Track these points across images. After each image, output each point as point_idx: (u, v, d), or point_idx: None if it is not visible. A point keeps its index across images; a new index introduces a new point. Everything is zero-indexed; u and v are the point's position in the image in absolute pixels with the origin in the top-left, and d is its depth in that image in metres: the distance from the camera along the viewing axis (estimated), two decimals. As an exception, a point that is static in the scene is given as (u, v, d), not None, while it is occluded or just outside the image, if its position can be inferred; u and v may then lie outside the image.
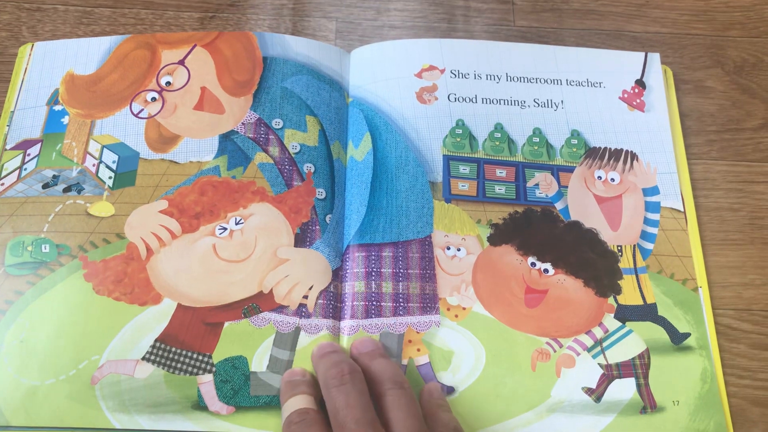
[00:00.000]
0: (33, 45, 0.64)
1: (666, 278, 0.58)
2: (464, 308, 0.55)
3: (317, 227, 0.56)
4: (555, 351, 0.54)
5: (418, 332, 0.54)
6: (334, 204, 0.58)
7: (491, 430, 0.51)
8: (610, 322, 0.56)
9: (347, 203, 0.58)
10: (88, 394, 0.49)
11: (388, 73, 0.64)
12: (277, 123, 0.60)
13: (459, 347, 0.54)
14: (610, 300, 0.56)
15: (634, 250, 0.58)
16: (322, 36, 0.68)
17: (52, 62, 0.63)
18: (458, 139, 0.61)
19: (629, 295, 0.57)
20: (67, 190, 0.57)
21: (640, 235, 0.59)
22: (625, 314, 0.56)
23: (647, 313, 0.56)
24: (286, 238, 0.56)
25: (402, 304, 0.55)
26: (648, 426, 0.52)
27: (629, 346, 0.55)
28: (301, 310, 0.53)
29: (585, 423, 0.52)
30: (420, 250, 0.57)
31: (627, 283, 0.57)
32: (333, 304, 0.54)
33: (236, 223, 0.55)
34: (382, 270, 0.56)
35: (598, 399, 0.53)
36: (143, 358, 0.51)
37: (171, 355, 0.51)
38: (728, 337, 0.57)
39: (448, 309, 0.55)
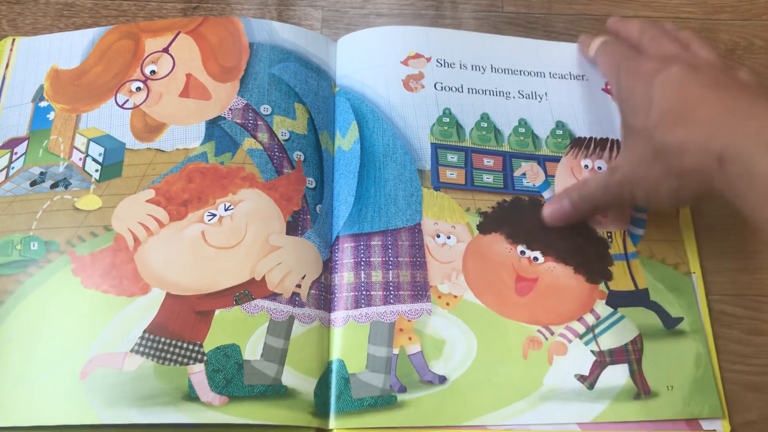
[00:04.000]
0: (14, 40, 0.63)
1: (657, 263, 0.58)
2: (455, 296, 0.55)
3: (308, 216, 0.56)
4: (546, 339, 0.54)
5: (409, 320, 0.54)
6: (323, 195, 0.57)
7: (484, 419, 0.51)
8: (602, 308, 0.55)
9: (335, 194, 0.58)
10: (77, 389, 0.49)
11: (374, 61, 0.63)
12: (265, 109, 0.59)
13: (451, 336, 0.54)
14: (602, 286, 0.56)
15: (624, 236, 0.58)
16: (307, 25, 0.67)
17: (37, 59, 0.62)
18: (445, 128, 0.61)
19: (620, 281, 0.57)
20: (54, 186, 0.56)
21: (629, 221, 0.59)
22: (616, 300, 0.56)
23: (639, 298, 0.56)
24: (278, 226, 0.55)
25: (392, 292, 0.54)
26: (642, 412, 0.52)
27: (622, 332, 0.55)
28: (294, 299, 0.53)
29: (578, 410, 0.52)
30: (410, 238, 0.56)
31: (618, 268, 0.57)
32: (324, 296, 0.54)
33: (225, 209, 0.55)
34: (372, 259, 0.55)
35: (591, 386, 0.53)
36: (132, 350, 0.50)
37: (160, 346, 0.50)
38: (722, 322, 0.57)
39: (440, 297, 0.55)
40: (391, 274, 0.55)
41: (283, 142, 0.58)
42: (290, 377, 0.51)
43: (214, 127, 0.59)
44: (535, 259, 0.57)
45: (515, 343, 0.54)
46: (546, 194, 0.60)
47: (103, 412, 0.48)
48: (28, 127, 0.59)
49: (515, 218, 0.58)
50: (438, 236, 0.57)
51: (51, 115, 0.59)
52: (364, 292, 0.54)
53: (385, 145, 0.60)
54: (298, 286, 0.53)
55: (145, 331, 0.51)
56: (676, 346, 0.54)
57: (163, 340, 0.51)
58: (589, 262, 0.57)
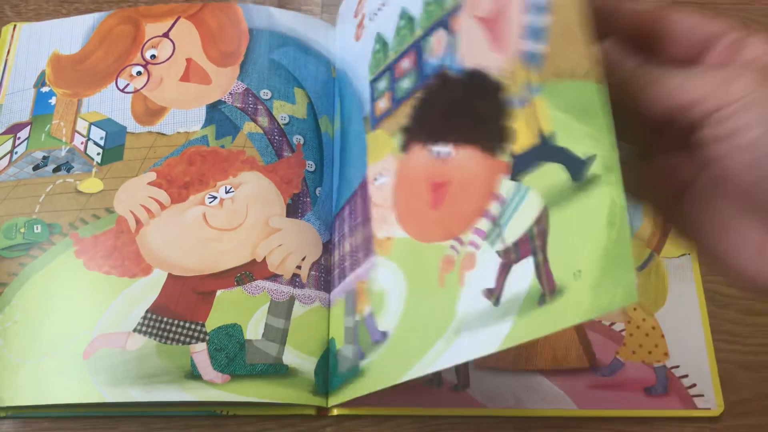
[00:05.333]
0: (15, 26, 0.63)
1: (564, 84, 0.36)
2: (389, 239, 0.48)
3: (308, 199, 0.56)
4: (458, 252, 0.42)
5: (362, 282, 0.51)
6: (323, 178, 0.58)
7: (412, 372, 0.43)
8: (506, 188, 0.40)
9: (334, 176, 0.58)
10: (80, 368, 0.49)
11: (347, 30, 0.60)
12: (265, 94, 0.59)
13: (388, 285, 0.48)
14: (507, 157, 0.40)
15: (525, 67, 0.39)
16: (307, 10, 0.67)
17: (38, 44, 0.62)
18: (378, 55, 0.54)
19: (524, 136, 0.39)
20: (56, 170, 0.57)
21: (525, 33, 0.38)
22: (521, 166, 0.39)
23: (544, 151, 0.38)
24: (278, 208, 0.55)
25: (353, 257, 0.53)
26: (546, 320, 0.35)
27: (526, 210, 0.38)
28: (295, 280, 0.53)
29: (485, 338, 0.38)
30: (361, 195, 0.54)
31: (520, 118, 0.39)
32: (324, 277, 0.54)
33: (226, 192, 0.55)
34: (344, 231, 0.54)
35: (497, 301, 0.39)
36: (135, 330, 0.51)
37: (163, 326, 0.51)
38: (717, 302, 0.56)
39: (381, 246, 0.49)
40: (352, 241, 0.53)
41: (282, 126, 0.58)
42: (291, 357, 0.51)
43: (214, 110, 0.59)
44: (448, 154, 0.44)
45: (433, 269, 0.43)
46: (450, 62, 0.45)
47: (106, 391, 0.48)
48: (31, 112, 0.59)
49: (427, 114, 0.47)
50: (375, 179, 0.51)
51: (53, 100, 0.60)
52: (341, 267, 0.54)
53: (348, 110, 0.58)
54: (299, 267, 0.54)
55: (147, 311, 0.51)
56: (586, 204, 0.34)
57: (165, 320, 0.51)
58: (487, 127, 0.41)
